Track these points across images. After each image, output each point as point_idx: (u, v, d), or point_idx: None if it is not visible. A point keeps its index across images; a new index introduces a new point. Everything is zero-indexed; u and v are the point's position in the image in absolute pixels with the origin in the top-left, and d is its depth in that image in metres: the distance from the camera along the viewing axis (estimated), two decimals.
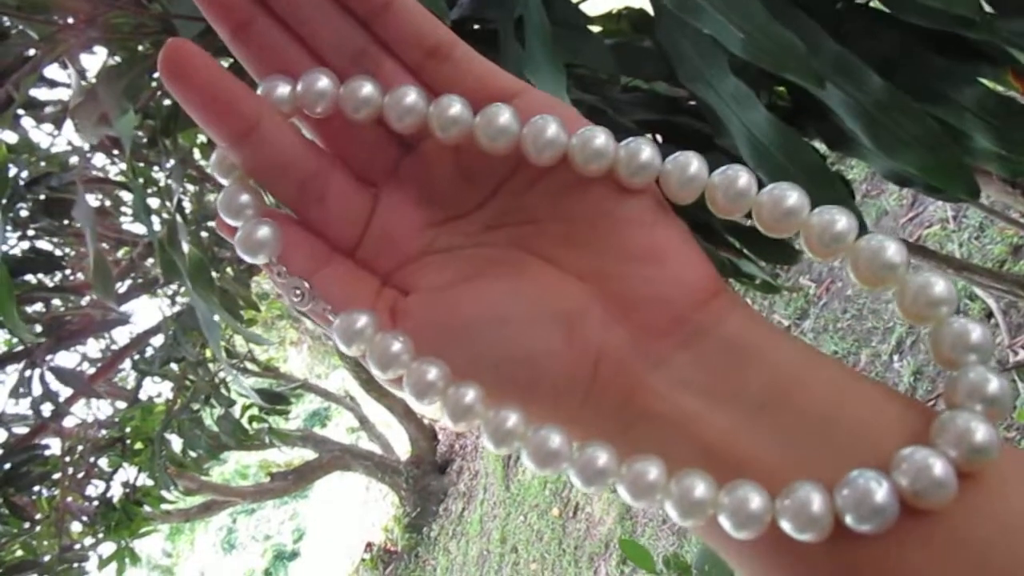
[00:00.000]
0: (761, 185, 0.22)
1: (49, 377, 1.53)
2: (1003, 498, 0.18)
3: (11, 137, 1.32)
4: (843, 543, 0.18)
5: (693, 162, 0.22)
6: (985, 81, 0.46)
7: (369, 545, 5.48)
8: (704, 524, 0.19)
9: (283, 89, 0.23)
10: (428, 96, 0.23)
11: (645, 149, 0.22)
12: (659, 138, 0.64)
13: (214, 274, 0.87)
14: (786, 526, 0.18)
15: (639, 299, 0.22)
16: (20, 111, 1.19)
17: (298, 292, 0.23)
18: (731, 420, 0.20)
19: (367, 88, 0.23)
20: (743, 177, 0.22)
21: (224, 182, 0.24)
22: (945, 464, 0.17)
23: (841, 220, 0.21)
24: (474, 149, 0.23)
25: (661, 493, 0.19)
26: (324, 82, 0.23)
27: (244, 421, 2.17)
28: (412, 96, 0.23)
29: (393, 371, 0.22)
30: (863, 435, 0.19)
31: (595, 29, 0.58)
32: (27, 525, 1.75)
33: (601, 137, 0.22)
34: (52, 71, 1.28)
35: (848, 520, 0.18)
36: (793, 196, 0.21)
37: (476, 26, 0.60)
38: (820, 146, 0.60)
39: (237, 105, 0.22)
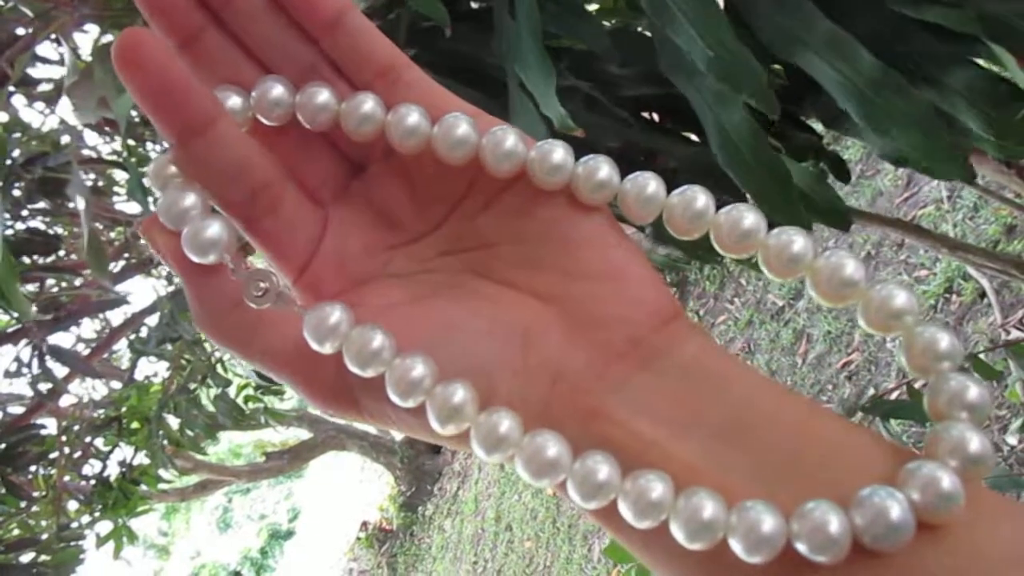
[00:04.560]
0: (720, 206, 0.21)
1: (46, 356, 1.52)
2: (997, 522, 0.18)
3: (2, 116, 1.31)
4: (858, 564, 0.17)
5: (651, 183, 0.22)
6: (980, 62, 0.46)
7: (364, 524, 5.52)
8: (707, 549, 0.18)
9: (235, 100, 0.22)
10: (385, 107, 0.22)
11: (604, 167, 0.22)
12: (655, 116, 0.64)
13: None
14: (801, 548, 0.17)
15: (597, 319, 0.22)
16: (11, 88, 1.18)
17: (261, 287, 0.21)
18: (693, 449, 0.19)
19: (324, 95, 0.22)
20: (701, 198, 0.21)
21: (160, 194, 0.22)
22: (952, 476, 0.17)
23: (798, 241, 0.20)
24: (426, 170, 0.23)
25: (668, 512, 0.18)
26: (279, 90, 0.22)
27: (240, 401, 2.17)
28: (370, 104, 0.22)
29: (374, 368, 0.21)
30: (834, 464, 0.19)
31: (592, 7, 0.58)
32: (24, 504, 1.75)
33: (559, 151, 0.22)
34: (43, 48, 1.27)
35: (866, 540, 0.17)
36: (749, 218, 0.21)
37: (474, 5, 0.60)
38: (817, 126, 0.60)
39: (192, 99, 0.21)
